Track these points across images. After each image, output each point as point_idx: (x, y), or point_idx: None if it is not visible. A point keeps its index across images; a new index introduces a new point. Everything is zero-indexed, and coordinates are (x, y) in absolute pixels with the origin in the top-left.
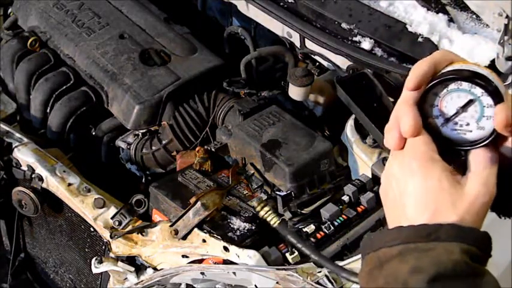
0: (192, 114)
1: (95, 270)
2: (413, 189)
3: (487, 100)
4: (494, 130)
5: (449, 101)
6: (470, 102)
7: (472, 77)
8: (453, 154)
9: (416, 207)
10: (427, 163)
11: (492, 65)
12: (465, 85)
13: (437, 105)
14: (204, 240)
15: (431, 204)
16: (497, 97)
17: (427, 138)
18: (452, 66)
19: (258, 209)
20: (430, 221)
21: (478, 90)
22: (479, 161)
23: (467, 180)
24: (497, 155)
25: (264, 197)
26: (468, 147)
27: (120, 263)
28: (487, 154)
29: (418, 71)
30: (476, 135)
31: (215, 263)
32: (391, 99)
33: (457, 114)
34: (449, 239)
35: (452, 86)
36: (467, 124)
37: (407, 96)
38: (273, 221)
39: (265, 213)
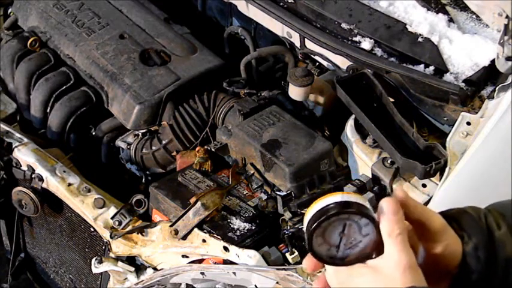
0: (192, 114)
1: (95, 270)
2: None
3: (357, 217)
4: (377, 227)
5: (331, 233)
6: (345, 225)
7: (337, 212)
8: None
9: None
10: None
11: (492, 65)
12: (333, 218)
13: (323, 243)
14: (204, 240)
15: None
16: (355, 209)
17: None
18: (313, 208)
19: None
20: None
21: (343, 215)
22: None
23: (383, 259)
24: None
25: (264, 197)
26: (369, 256)
27: (120, 263)
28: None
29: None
30: (367, 241)
31: (215, 263)
32: (391, 99)
33: (341, 238)
34: None
35: (324, 223)
36: (354, 239)
37: None
38: None
39: None
